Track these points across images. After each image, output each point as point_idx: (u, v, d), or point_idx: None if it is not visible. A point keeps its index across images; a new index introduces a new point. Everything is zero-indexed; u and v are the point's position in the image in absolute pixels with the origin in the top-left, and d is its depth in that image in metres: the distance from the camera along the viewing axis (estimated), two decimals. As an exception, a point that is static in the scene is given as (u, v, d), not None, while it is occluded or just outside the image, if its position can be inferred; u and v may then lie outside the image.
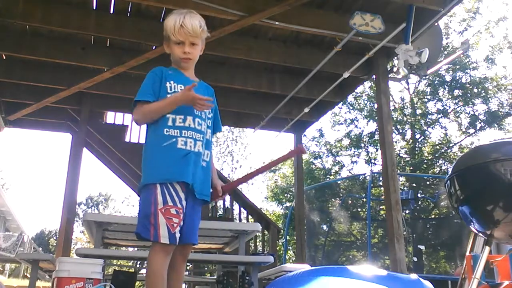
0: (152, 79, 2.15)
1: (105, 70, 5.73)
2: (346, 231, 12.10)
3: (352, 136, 18.17)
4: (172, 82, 2.14)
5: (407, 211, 10.11)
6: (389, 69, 5.57)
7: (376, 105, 5.87)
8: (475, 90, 16.38)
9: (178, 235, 1.98)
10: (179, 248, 2.04)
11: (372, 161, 17.95)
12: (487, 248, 2.12)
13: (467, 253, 3.00)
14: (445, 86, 16.93)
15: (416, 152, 17.07)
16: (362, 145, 18.13)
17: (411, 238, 9.99)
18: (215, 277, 5.98)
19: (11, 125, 7.16)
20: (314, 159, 18.96)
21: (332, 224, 11.51)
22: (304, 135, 14.52)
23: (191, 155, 2.05)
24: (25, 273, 14.21)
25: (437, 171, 16.38)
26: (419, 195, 12.58)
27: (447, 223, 10.39)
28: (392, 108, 12.41)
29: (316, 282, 2.13)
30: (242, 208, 8.48)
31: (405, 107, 17.86)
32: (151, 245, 2.02)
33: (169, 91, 2.12)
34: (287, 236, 12.93)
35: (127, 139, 8.12)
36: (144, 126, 2.20)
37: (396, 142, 17.28)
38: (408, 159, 17.02)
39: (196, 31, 2.14)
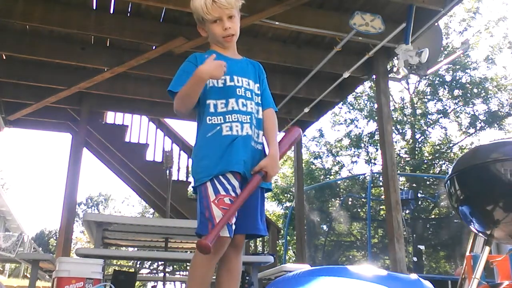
0: (185, 68, 1.94)
1: (105, 70, 5.73)
2: (346, 231, 12.09)
3: (352, 136, 18.16)
4: None
5: (407, 211, 10.10)
6: (389, 69, 5.57)
7: (376, 105, 5.87)
8: (475, 90, 16.37)
9: (234, 227, 1.80)
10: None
11: (372, 161, 17.95)
12: (487, 248, 2.12)
13: (467, 253, 3.00)
14: (445, 86, 16.92)
15: (416, 152, 17.06)
16: (362, 145, 18.13)
17: (411, 238, 9.97)
18: (215, 277, 5.97)
19: (11, 125, 7.16)
20: (314, 159, 18.95)
21: (332, 224, 11.50)
22: (304, 135, 14.52)
23: (239, 140, 1.85)
24: (25, 273, 14.20)
25: (437, 171, 16.37)
26: (419, 195, 12.58)
27: (447, 223, 10.38)
28: (392, 108, 12.39)
29: (316, 282, 2.13)
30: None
31: (405, 107, 17.86)
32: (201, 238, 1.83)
33: None
34: (287, 236, 12.92)
35: (127, 139, 8.12)
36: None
37: (396, 142, 17.28)
38: (408, 159, 17.02)
39: (231, 1, 1.95)
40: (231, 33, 2.00)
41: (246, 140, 1.88)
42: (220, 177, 1.81)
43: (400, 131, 17.69)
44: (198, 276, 1.85)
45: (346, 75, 5.54)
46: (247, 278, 4.39)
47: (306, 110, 6.57)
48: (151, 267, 17.85)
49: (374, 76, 5.68)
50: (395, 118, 17.06)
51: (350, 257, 11.89)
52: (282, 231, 11.14)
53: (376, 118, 13.74)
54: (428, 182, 13.87)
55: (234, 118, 1.88)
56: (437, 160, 17.15)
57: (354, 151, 18.32)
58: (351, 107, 18.37)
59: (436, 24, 5.14)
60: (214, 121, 1.89)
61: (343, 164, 18.74)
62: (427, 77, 15.46)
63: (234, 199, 1.79)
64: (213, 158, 1.84)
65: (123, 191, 41.47)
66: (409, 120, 17.42)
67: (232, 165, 1.82)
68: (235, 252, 1.91)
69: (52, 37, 5.50)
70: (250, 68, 2.08)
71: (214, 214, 1.77)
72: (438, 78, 16.87)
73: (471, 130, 16.83)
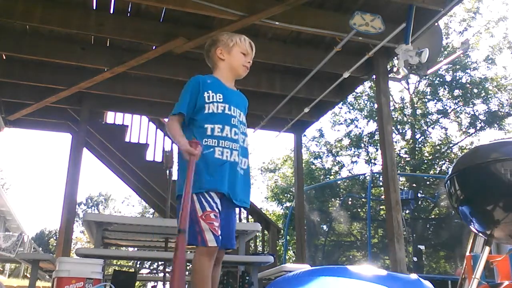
0: (190, 91, 2.25)
1: (105, 70, 5.73)
2: (346, 231, 12.09)
3: (352, 136, 18.16)
4: (210, 91, 2.25)
5: (407, 211, 10.11)
6: (389, 69, 5.56)
7: (376, 105, 5.87)
8: (475, 90, 16.36)
9: (220, 237, 2.08)
10: None
11: (372, 161, 17.95)
12: (487, 248, 2.12)
13: (467, 253, 3.00)
14: (445, 86, 16.92)
15: (416, 152, 17.05)
16: (362, 145, 18.13)
17: (411, 238, 9.97)
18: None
19: (11, 125, 7.16)
20: (314, 159, 18.95)
21: (332, 224, 11.51)
22: (304, 135, 14.54)
23: (227, 165, 2.15)
24: (25, 273, 14.21)
25: (437, 171, 16.37)
26: (419, 195, 12.59)
27: (447, 223, 10.39)
28: (392, 108, 12.41)
29: (316, 282, 2.13)
30: (242, 208, 8.47)
31: (405, 107, 17.85)
32: (196, 249, 2.10)
33: (207, 100, 2.23)
34: (287, 236, 12.93)
35: (127, 139, 8.12)
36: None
37: (396, 142, 17.27)
38: (408, 159, 17.01)
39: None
40: (249, 67, 2.43)
41: (233, 166, 2.18)
42: (205, 194, 2.10)
43: (400, 131, 17.68)
44: (206, 276, 2.06)
45: (346, 75, 5.53)
46: (247, 278, 4.39)
47: (306, 110, 6.57)
48: (151, 267, 17.86)
49: (374, 76, 5.67)
50: (395, 118, 17.06)
51: (350, 257, 11.89)
52: (282, 231, 11.14)
53: (376, 118, 13.74)
54: (428, 182, 13.88)
55: (226, 145, 2.17)
56: (437, 160, 17.14)
57: (354, 151, 18.33)
58: (351, 107, 18.37)
59: (436, 24, 5.14)
60: (209, 143, 2.16)
61: (343, 164, 18.75)
62: (427, 77, 15.47)
63: (217, 214, 2.10)
64: (203, 175, 2.11)
65: (123, 191, 41.52)
66: (409, 120, 17.42)
67: (220, 187, 2.12)
68: (218, 264, 2.19)
69: (52, 37, 5.49)
70: (242, 100, 2.42)
71: (203, 228, 2.05)
72: (438, 78, 16.87)
73: (471, 130, 16.83)
